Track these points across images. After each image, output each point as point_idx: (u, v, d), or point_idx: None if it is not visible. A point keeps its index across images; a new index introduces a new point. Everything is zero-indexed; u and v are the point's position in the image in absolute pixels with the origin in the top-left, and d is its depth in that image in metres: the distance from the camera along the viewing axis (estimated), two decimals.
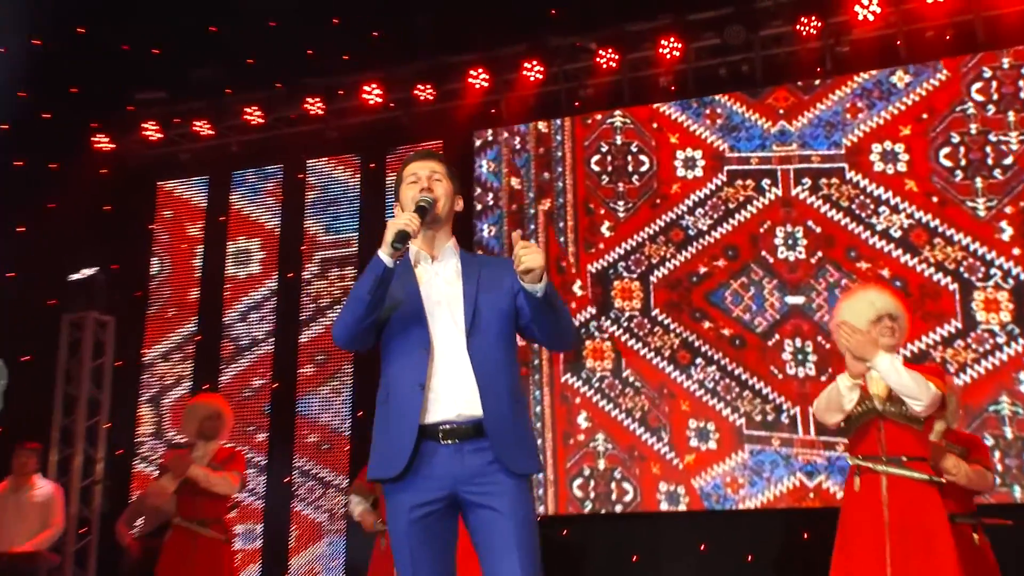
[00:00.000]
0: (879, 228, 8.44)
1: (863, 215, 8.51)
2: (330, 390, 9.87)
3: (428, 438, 3.02)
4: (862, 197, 8.54)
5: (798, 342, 8.45)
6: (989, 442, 7.67)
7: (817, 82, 8.84)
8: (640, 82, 9.34)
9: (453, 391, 3.04)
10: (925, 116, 8.50)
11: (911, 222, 8.35)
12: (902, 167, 8.47)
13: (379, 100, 9.77)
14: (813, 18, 8.69)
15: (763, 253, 8.72)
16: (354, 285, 3.08)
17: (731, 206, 8.91)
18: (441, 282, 3.19)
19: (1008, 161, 8.19)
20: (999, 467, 7.63)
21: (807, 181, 8.72)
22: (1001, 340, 7.89)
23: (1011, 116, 8.24)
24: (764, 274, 8.68)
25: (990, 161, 8.23)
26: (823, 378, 8.26)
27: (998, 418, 7.76)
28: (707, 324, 8.73)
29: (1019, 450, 7.65)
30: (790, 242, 8.68)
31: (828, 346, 8.28)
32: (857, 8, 8.60)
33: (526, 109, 9.60)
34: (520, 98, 9.59)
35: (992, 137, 8.28)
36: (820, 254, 8.56)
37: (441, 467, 2.99)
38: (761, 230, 8.79)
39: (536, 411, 8.95)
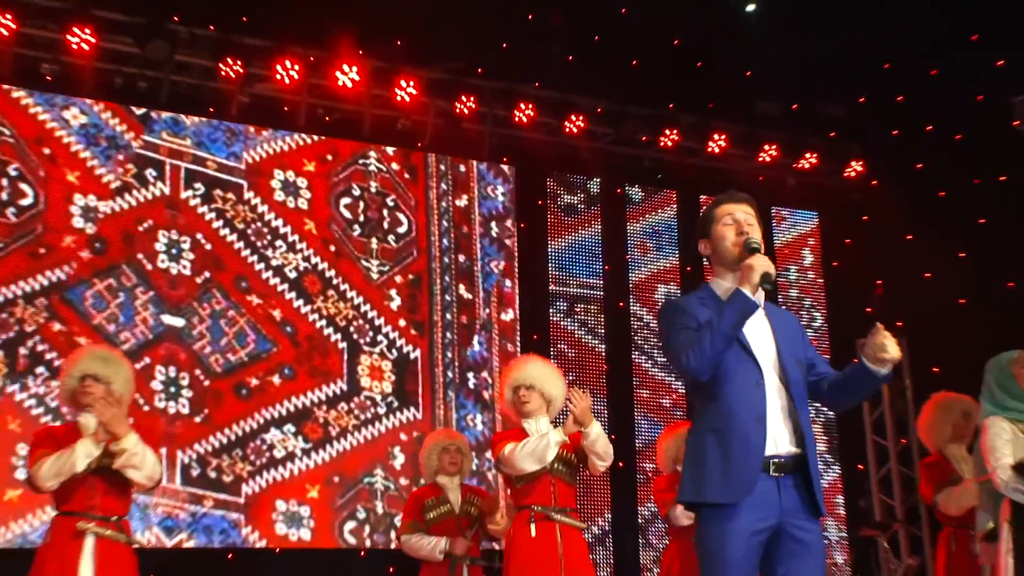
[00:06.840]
0: (275, 263, 7.78)
1: (259, 244, 7.75)
2: None
3: (762, 470, 3.23)
4: (260, 224, 7.79)
5: (172, 371, 7.28)
6: (362, 515, 7.56)
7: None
8: None
9: (784, 427, 3.29)
10: (330, 157, 8.12)
11: (307, 266, 7.88)
12: (303, 203, 7.93)
13: None
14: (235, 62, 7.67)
15: (139, 256, 7.38)
16: (712, 321, 3.26)
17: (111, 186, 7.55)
18: (757, 321, 3.37)
19: (402, 229, 8.20)
20: (367, 543, 7.55)
21: (200, 187, 7.62)
22: (381, 410, 7.84)
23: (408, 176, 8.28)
24: (137, 281, 7.32)
25: (386, 224, 8.16)
26: (198, 419, 7.24)
27: (371, 491, 7.66)
28: (57, 326, 7.04)
29: (388, 526, 7.62)
30: (174, 251, 7.47)
31: (207, 383, 7.32)
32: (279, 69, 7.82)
33: None
34: None
35: (389, 201, 8.23)
36: (208, 275, 7.58)
37: (770, 497, 3.22)
38: (140, 228, 7.47)
39: None
